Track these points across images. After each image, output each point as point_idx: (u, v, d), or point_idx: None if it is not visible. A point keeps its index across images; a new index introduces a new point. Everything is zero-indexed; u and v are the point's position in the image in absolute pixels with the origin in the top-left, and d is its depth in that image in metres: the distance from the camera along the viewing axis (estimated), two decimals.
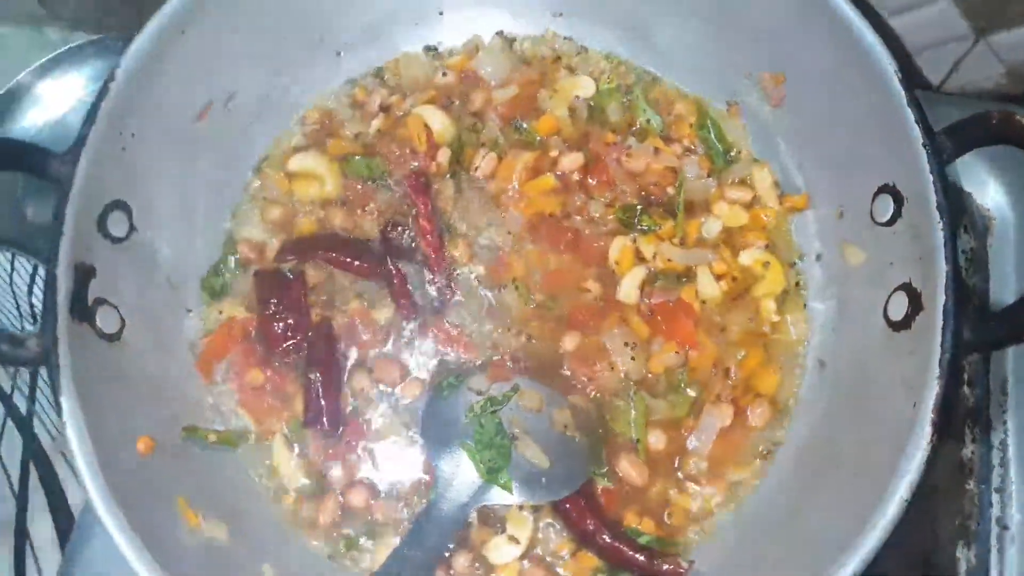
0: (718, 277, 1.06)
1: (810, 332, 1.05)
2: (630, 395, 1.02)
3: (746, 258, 1.07)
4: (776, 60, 1.07)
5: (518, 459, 0.94)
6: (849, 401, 0.96)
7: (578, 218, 1.10)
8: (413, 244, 1.09)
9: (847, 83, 0.97)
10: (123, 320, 0.96)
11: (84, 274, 0.92)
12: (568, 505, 0.95)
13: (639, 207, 1.09)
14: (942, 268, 0.84)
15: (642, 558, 0.93)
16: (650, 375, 1.03)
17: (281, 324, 1.05)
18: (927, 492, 1.05)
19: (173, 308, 1.06)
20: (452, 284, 1.07)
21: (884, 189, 0.95)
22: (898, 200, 0.93)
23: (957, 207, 0.87)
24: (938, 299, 0.84)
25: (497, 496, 0.92)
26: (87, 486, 0.83)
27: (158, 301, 1.03)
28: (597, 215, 1.10)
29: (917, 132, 0.89)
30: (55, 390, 0.85)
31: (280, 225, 1.13)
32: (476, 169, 1.12)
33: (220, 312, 1.08)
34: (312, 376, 1.02)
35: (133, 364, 0.96)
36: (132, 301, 0.98)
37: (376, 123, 1.16)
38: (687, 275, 1.07)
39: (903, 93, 0.90)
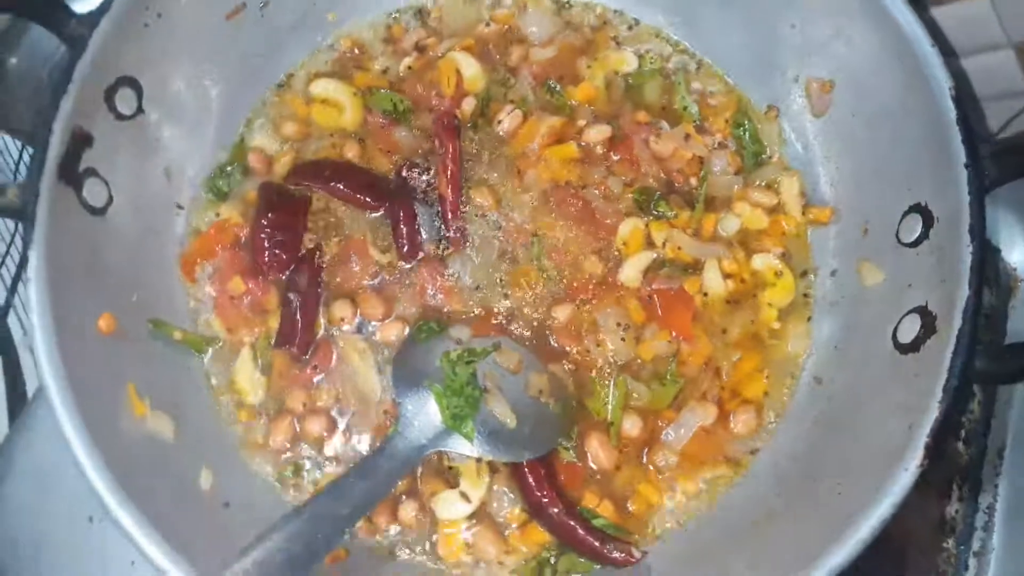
0: (726, 276, 1.02)
1: (811, 347, 1.01)
2: (612, 376, 0.97)
3: (759, 262, 1.03)
4: (828, 67, 1.03)
5: (485, 413, 0.90)
6: (840, 419, 0.92)
7: (595, 192, 1.06)
8: (427, 188, 1.05)
9: (898, 97, 0.94)
10: (111, 197, 0.93)
11: (81, 140, 0.89)
12: (527, 471, 0.90)
13: (658, 192, 1.05)
14: (964, 292, 0.80)
15: (593, 540, 0.89)
16: (637, 360, 0.99)
17: (273, 239, 1.02)
18: (902, 538, 1.01)
19: (165, 200, 1.02)
20: (464, 232, 1.03)
21: (915, 208, 0.91)
22: (928, 221, 0.89)
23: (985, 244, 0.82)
24: (954, 323, 0.80)
25: (456, 444, 0.88)
26: (37, 346, 0.79)
27: (151, 189, 1.00)
28: (615, 192, 1.06)
29: (962, 152, 0.85)
30: (26, 244, 0.81)
31: (294, 144, 1.10)
32: (500, 123, 1.08)
33: (217, 214, 1.05)
34: (292, 297, 0.99)
35: (112, 243, 0.92)
36: (124, 182, 0.95)
37: (407, 61, 1.13)
38: (694, 267, 1.03)
39: (954, 110, 0.86)
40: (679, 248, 1.03)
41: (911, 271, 0.90)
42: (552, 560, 0.91)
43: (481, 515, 0.93)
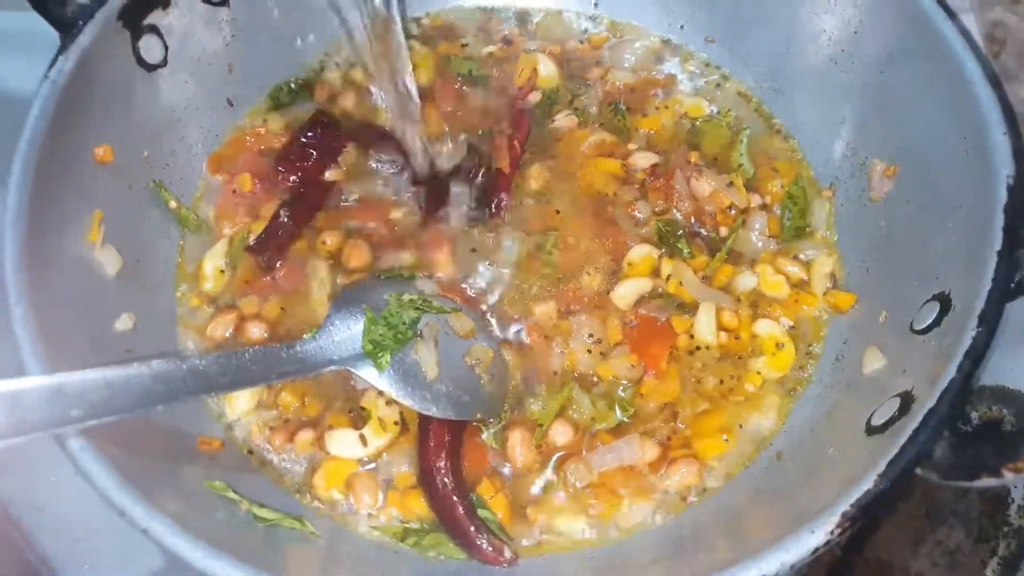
0: (722, 328, 0.94)
1: (783, 427, 0.89)
2: (562, 382, 0.90)
3: (763, 328, 0.94)
4: (898, 153, 0.96)
5: (409, 356, 0.86)
6: (783, 490, 0.80)
7: (623, 211, 1.01)
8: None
9: (955, 185, 0.85)
10: (165, 61, 0.98)
11: None
12: (431, 432, 0.84)
13: (683, 229, 1.00)
14: (950, 374, 0.69)
15: (469, 523, 0.80)
16: (594, 376, 0.91)
17: (302, 152, 1.04)
18: None
19: (217, 90, 1.07)
20: (502, 208, 1.02)
21: (936, 297, 0.81)
22: (945, 309, 0.79)
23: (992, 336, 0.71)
24: (927, 403, 0.68)
25: (365, 371, 0.84)
26: (23, 137, 0.82)
27: (209, 75, 1.05)
28: (641, 216, 1.01)
29: (999, 239, 0.75)
30: (60, 50, 0.87)
31: (358, 89, 1.13)
32: (554, 121, 1.07)
33: (264, 120, 1.09)
34: (283, 212, 0.99)
35: (146, 98, 0.97)
36: (184, 56, 1.00)
37: (492, 48, 1.16)
38: (689, 308, 0.95)
39: (1005, 198, 0.77)
40: (681, 284, 0.96)
41: (910, 357, 0.79)
42: (419, 531, 0.82)
43: (370, 464, 0.86)
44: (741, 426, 0.89)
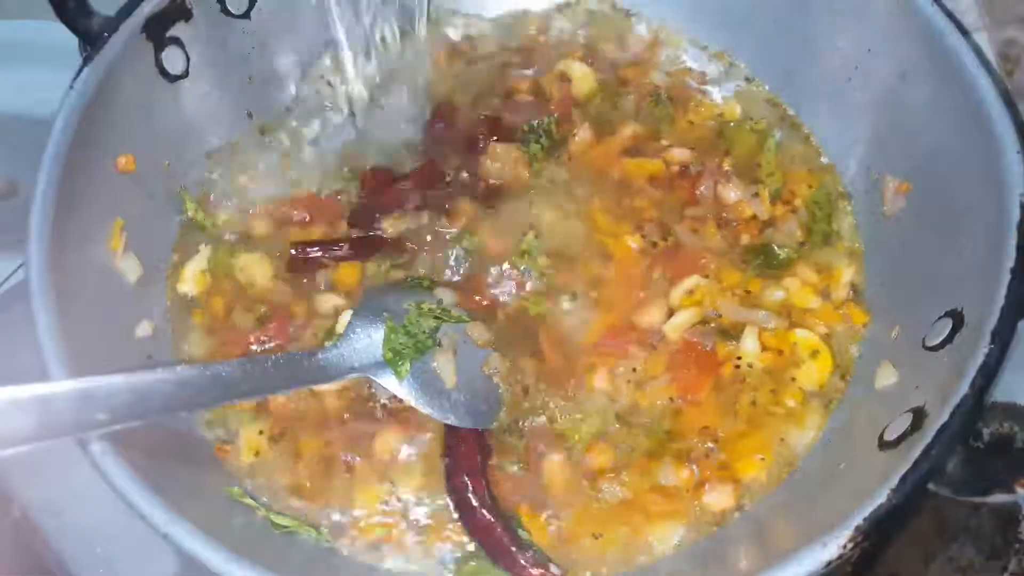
0: (764, 348, 0.93)
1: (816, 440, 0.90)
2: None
3: (800, 335, 0.94)
4: (912, 170, 0.96)
5: (428, 365, 0.87)
6: (797, 505, 0.80)
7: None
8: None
9: (969, 203, 0.86)
10: (187, 72, 1.00)
11: (179, 9, 0.97)
12: (458, 452, 0.85)
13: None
14: (963, 389, 0.70)
15: (510, 544, 0.81)
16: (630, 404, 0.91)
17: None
18: None
19: (237, 99, 1.08)
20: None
21: (949, 313, 0.81)
22: (957, 325, 0.79)
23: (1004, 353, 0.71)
24: (940, 418, 0.69)
25: (386, 379, 0.85)
26: (48, 148, 0.84)
27: (229, 84, 1.06)
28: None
29: (1012, 257, 0.76)
30: (85, 60, 0.88)
31: None
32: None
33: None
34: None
35: (168, 107, 0.99)
36: (205, 68, 1.02)
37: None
38: (731, 333, 0.94)
39: (1018, 216, 0.78)
40: (720, 309, 0.96)
41: (923, 373, 0.80)
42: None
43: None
44: (782, 440, 0.89)
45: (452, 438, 0.87)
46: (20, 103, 1.25)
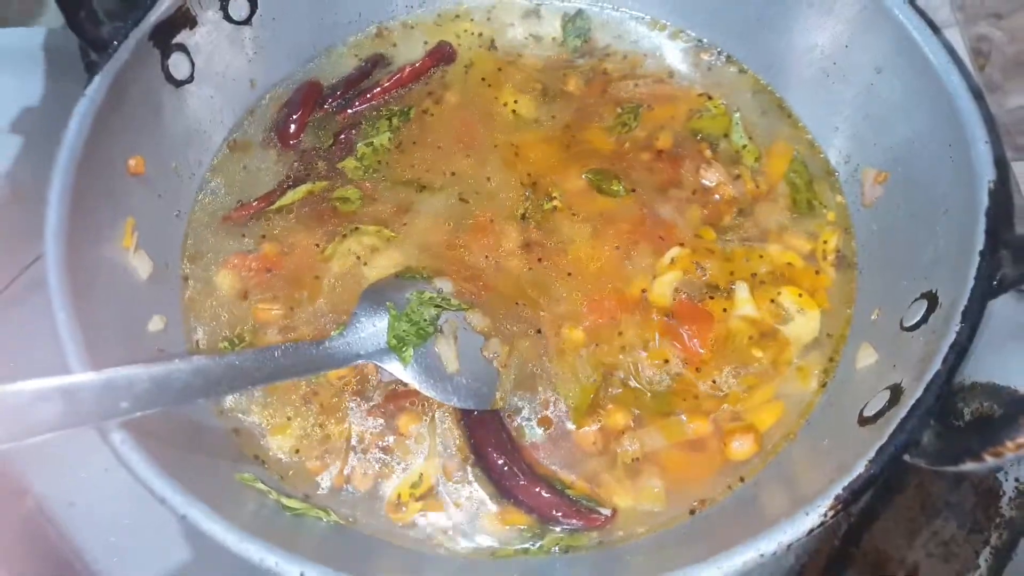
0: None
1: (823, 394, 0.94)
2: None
3: (785, 296, 0.98)
4: (888, 160, 1.00)
5: (430, 350, 0.91)
6: (780, 479, 0.84)
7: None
8: None
9: (944, 191, 0.90)
10: (192, 77, 1.04)
11: (184, 18, 1.01)
12: (482, 438, 0.90)
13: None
14: (936, 366, 0.74)
15: (560, 499, 0.86)
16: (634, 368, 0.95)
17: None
18: None
19: (240, 102, 1.12)
20: None
21: (925, 295, 0.85)
22: (932, 306, 0.83)
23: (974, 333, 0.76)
24: (915, 394, 0.73)
25: (391, 365, 0.89)
26: (61, 152, 0.87)
27: (232, 87, 1.10)
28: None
29: (981, 241, 0.80)
30: (94, 68, 0.92)
31: None
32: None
33: None
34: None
35: (174, 111, 1.02)
36: (209, 73, 1.06)
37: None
38: (721, 290, 0.99)
39: (986, 202, 0.82)
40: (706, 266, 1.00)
41: (901, 352, 0.84)
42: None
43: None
44: (787, 394, 0.93)
45: (470, 420, 0.91)
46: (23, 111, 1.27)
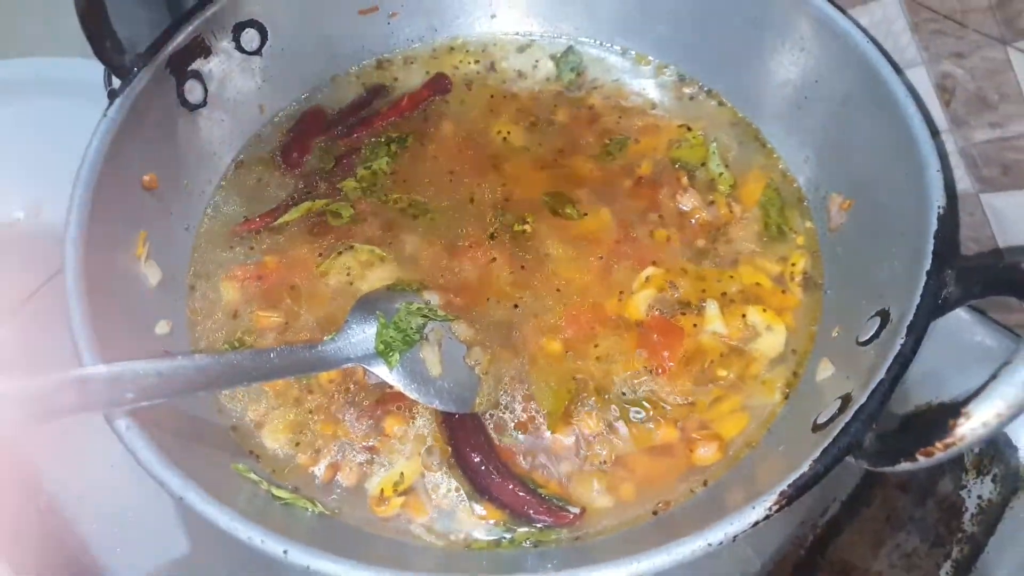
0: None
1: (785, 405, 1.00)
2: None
3: (752, 314, 1.04)
4: (853, 188, 1.07)
5: (416, 356, 0.97)
6: (737, 480, 0.90)
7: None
8: None
9: (906, 219, 0.95)
10: (204, 102, 1.12)
11: (199, 47, 1.09)
12: (461, 439, 0.95)
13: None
14: (880, 375, 0.79)
15: (531, 496, 0.91)
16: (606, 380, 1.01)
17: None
18: None
19: (249, 126, 1.20)
20: None
21: (879, 313, 0.91)
22: (884, 322, 0.89)
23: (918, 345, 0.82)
24: (858, 401, 0.79)
25: (378, 368, 0.95)
26: (83, 167, 0.95)
27: (242, 112, 1.18)
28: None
29: (928, 261, 0.86)
30: (114, 95, 1.00)
31: None
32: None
33: None
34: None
35: (188, 134, 1.11)
36: (221, 98, 1.14)
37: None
38: (692, 307, 1.05)
39: (935, 225, 0.88)
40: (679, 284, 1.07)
41: (854, 366, 0.89)
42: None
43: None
44: (752, 405, 0.99)
45: (451, 422, 0.97)
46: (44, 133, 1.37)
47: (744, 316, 1.04)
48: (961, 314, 1.06)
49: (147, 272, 1.01)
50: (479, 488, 0.92)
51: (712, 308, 1.04)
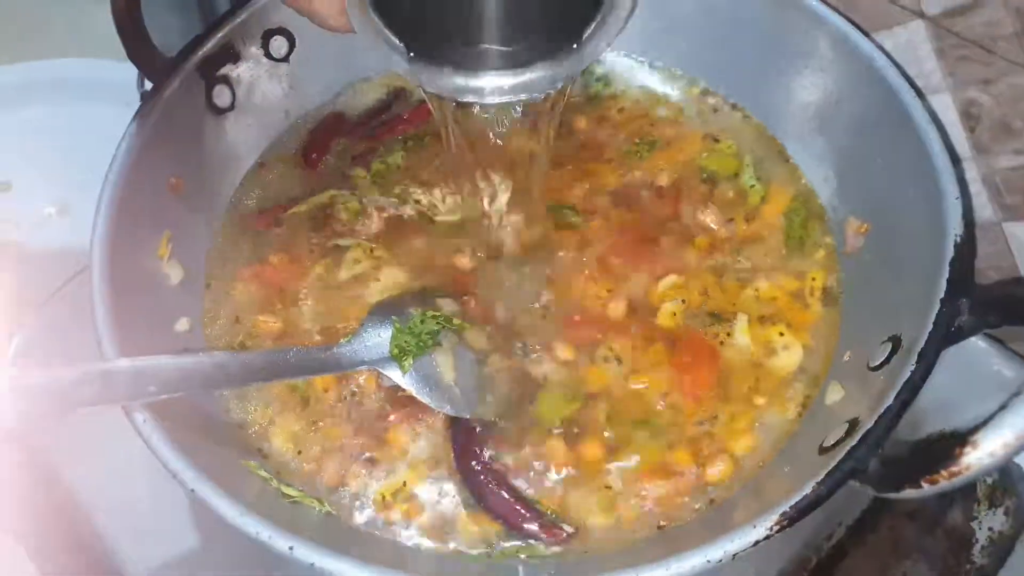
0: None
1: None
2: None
3: (771, 331, 1.04)
4: (870, 212, 1.07)
5: (429, 361, 0.98)
6: (742, 500, 0.90)
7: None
8: None
9: (919, 243, 0.95)
10: (232, 106, 1.14)
11: (228, 53, 1.12)
12: (463, 447, 0.96)
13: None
14: (888, 401, 0.80)
15: (525, 510, 0.92)
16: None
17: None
18: None
19: (274, 130, 1.22)
20: None
21: (890, 338, 0.91)
22: (895, 348, 0.89)
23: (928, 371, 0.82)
24: (865, 425, 0.79)
25: (391, 371, 0.97)
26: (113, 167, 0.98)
27: (268, 117, 1.20)
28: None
29: (943, 289, 0.86)
30: (143, 105, 1.03)
31: None
32: None
33: None
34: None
35: (215, 138, 1.13)
36: (248, 102, 1.16)
37: None
38: (722, 318, 1.05)
39: (952, 252, 0.88)
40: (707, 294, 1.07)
41: (864, 390, 0.89)
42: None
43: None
44: (764, 423, 0.98)
45: (456, 431, 0.98)
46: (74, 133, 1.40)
47: (765, 332, 1.04)
48: (979, 342, 1.05)
49: (169, 271, 1.03)
50: (478, 497, 0.93)
51: (742, 321, 1.03)
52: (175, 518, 1.06)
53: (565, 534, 0.91)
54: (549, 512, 0.93)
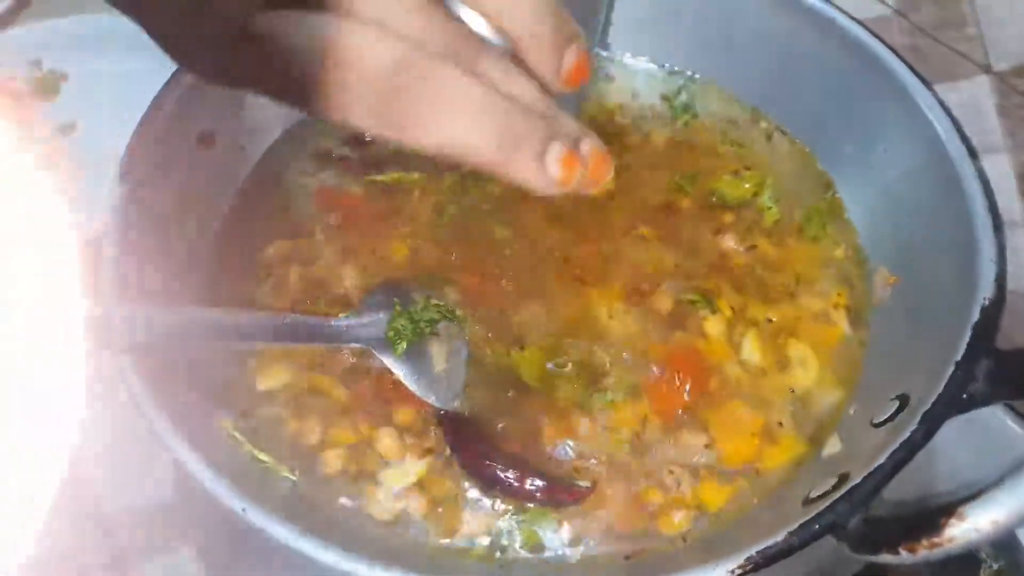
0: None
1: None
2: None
3: (791, 348, 1.00)
4: (900, 264, 1.03)
5: (423, 350, 0.97)
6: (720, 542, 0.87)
7: None
8: None
9: (947, 299, 0.91)
10: None
11: None
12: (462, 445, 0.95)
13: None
14: (881, 460, 0.76)
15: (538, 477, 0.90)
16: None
17: None
18: None
19: None
20: None
21: (898, 396, 0.87)
22: (902, 407, 0.85)
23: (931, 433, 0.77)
24: (852, 481, 0.75)
25: (384, 354, 0.96)
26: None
27: None
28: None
29: (961, 352, 0.82)
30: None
31: None
32: None
33: None
34: None
35: (249, 100, 1.13)
36: None
37: None
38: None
39: (977, 315, 0.84)
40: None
41: (861, 445, 0.86)
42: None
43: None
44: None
45: (447, 420, 0.96)
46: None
47: (780, 351, 1.00)
48: (999, 411, 1.00)
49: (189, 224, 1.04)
50: (480, 478, 0.91)
51: (749, 340, 1.00)
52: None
53: (583, 490, 0.89)
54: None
